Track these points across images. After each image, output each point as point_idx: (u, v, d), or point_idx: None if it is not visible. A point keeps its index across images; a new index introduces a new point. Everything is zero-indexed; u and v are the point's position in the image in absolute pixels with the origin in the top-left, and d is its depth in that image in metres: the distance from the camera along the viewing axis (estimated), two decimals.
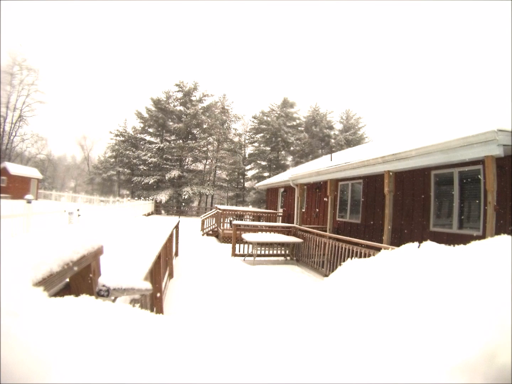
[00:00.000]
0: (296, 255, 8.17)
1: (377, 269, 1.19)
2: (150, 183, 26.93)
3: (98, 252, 1.15)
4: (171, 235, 5.37)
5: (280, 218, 13.44)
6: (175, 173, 26.76)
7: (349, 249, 5.69)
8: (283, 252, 8.38)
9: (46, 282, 0.72)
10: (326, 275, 5.96)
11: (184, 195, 26.29)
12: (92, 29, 78.67)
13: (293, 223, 10.37)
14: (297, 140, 33.97)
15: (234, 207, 16.43)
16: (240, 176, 33.34)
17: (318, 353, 0.78)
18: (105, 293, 1.14)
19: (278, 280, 5.85)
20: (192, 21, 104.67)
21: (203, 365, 0.63)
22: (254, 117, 33.60)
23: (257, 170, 34.04)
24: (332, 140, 35.03)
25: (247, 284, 5.32)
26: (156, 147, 28.20)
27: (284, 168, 31.29)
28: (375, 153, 6.01)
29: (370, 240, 5.66)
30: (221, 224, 11.96)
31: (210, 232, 12.76)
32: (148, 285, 1.57)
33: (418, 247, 1.23)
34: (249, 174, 34.41)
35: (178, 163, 29.27)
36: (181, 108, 30.07)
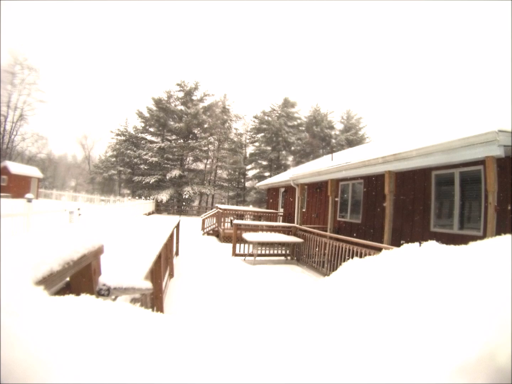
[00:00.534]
0: (296, 255, 8.17)
1: (378, 269, 1.19)
2: (151, 182, 26.95)
3: (98, 251, 1.15)
4: (172, 235, 5.38)
5: (281, 218, 13.44)
6: (176, 172, 26.78)
7: (349, 249, 5.69)
8: (283, 252, 8.38)
9: (47, 281, 0.73)
10: (326, 275, 5.95)
11: (185, 194, 26.31)
12: (94, 29, 78.77)
13: (293, 223, 10.36)
14: (298, 140, 33.98)
15: (234, 207, 16.42)
16: (241, 176, 33.34)
17: (318, 352, 0.78)
18: (106, 292, 1.14)
19: (279, 280, 5.85)
20: (194, 21, 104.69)
21: (203, 364, 0.63)
22: (255, 117, 33.61)
23: (258, 170, 34.04)
24: (333, 140, 35.04)
25: (248, 284, 5.32)
26: (157, 147, 28.20)
27: (285, 168, 31.29)
28: (375, 153, 6.00)
29: (371, 240, 5.65)
30: (222, 223, 11.97)
31: (211, 231, 12.76)
32: (148, 285, 1.57)
33: (420, 247, 1.23)
34: (250, 173, 34.42)
35: (179, 162, 29.28)
36: (182, 107, 30.10)
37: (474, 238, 1.31)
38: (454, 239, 5.18)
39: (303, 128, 35.26)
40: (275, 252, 8.26)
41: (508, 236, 0.96)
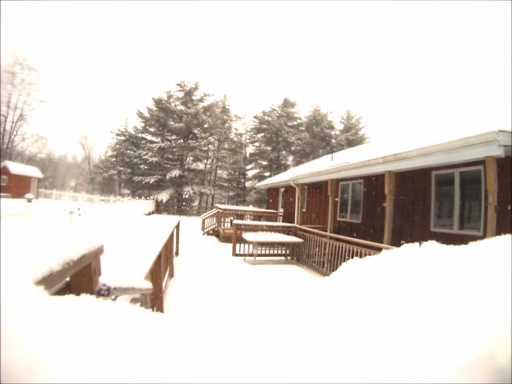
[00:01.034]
0: (296, 255, 8.17)
1: (378, 269, 1.19)
2: (151, 182, 26.96)
3: (98, 251, 1.15)
4: (172, 235, 5.37)
5: (281, 218, 13.44)
6: (176, 172, 26.78)
7: (349, 249, 5.69)
8: (283, 252, 8.38)
9: (47, 281, 0.73)
10: (326, 275, 5.95)
11: (185, 194, 26.31)
12: (94, 29, 78.77)
13: (293, 223, 10.36)
14: (298, 140, 33.98)
15: (234, 207, 16.42)
16: (241, 176, 33.34)
17: (318, 353, 0.78)
18: (106, 292, 1.14)
19: (279, 280, 5.85)
20: (194, 21, 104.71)
21: (203, 364, 0.63)
22: (255, 117, 33.62)
23: (258, 170, 34.04)
24: (333, 140, 35.04)
25: (248, 283, 5.32)
26: (157, 147, 28.20)
27: (285, 168, 31.29)
28: (375, 153, 6.00)
29: (371, 240, 5.65)
30: (222, 223, 11.97)
31: (211, 231, 12.76)
32: (148, 285, 1.57)
33: (420, 246, 1.23)
34: (250, 174, 34.42)
35: (179, 162, 29.29)
36: (182, 107, 30.10)
37: (474, 238, 1.31)
38: (454, 239, 5.17)
39: (303, 128, 35.27)
40: (275, 252, 8.26)
41: (508, 236, 0.96)
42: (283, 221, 12.99)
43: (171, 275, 5.20)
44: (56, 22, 66.00)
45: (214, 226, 12.80)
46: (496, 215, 3.71)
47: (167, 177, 26.91)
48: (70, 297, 0.67)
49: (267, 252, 8.10)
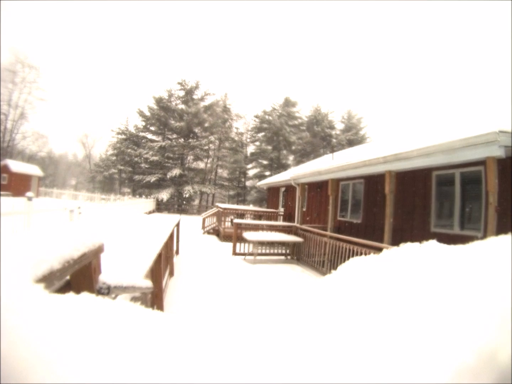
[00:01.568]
0: (296, 254, 8.17)
1: (378, 268, 1.19)
2: (151, 181, 26.98)
3: (99, 250, 1.15)
4: (172, 234, 5.38)
5: (281, 217, 13.43)
6: (176, 171, 26.79)
7: (349, 249, 5.69)
8: (283, 251, 8.38)
9: (47, 279, 0.73)
10: (326, 275, 5.95)
11: (185, 193, 26.32)
12: (95, 28, 78.70)
13: (294, 222, 10.36)
14: (299, 140, 33.95)
15: (235, 206, 16.42)
16: (241, 175, 33.35)
17: (318, 352, 0.78)
18: (106, 291, 1.14)
19: (279, 279, 5.85)
20: (195, 20, 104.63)
21: (203, 363, 0.64)
22: (256, 116, 33.62)
23: (258, 169, 34.05)
24: (334, 140, 35.02)
25: (248, 283, 5.33)
26: (157, 146, 28.22)
27: (285, 167, 31.28)
28: (376, 153, 5.99)
29: (371, 240, 5.65)
30: (222, 222, 11.97)
31: (211, 230, 12.77)
32: (149, 283, 1.58)
33: (420, 246, 1.23)
34: (251, 173, 34.43)
35: (179, 161, 29.31)
36: (183, 106, 30.10)
37: (475, 239, 1.31)
38: (455, 239, 5.17)
39: (304, 128, 35.25)
40: (275, 251, 8.27)
41: (508, 236, 0.96)
42: (284, 220, 12.99)
43: (171, 274, 5.20)
44: (57, 20, 66.05)
45: (214, 225, 12.81)
46: (496, 215, 3.70)
47: (168, 176, 26.92)
48: (70, 296, 0.67)
49: (267, 251, 8.10)
